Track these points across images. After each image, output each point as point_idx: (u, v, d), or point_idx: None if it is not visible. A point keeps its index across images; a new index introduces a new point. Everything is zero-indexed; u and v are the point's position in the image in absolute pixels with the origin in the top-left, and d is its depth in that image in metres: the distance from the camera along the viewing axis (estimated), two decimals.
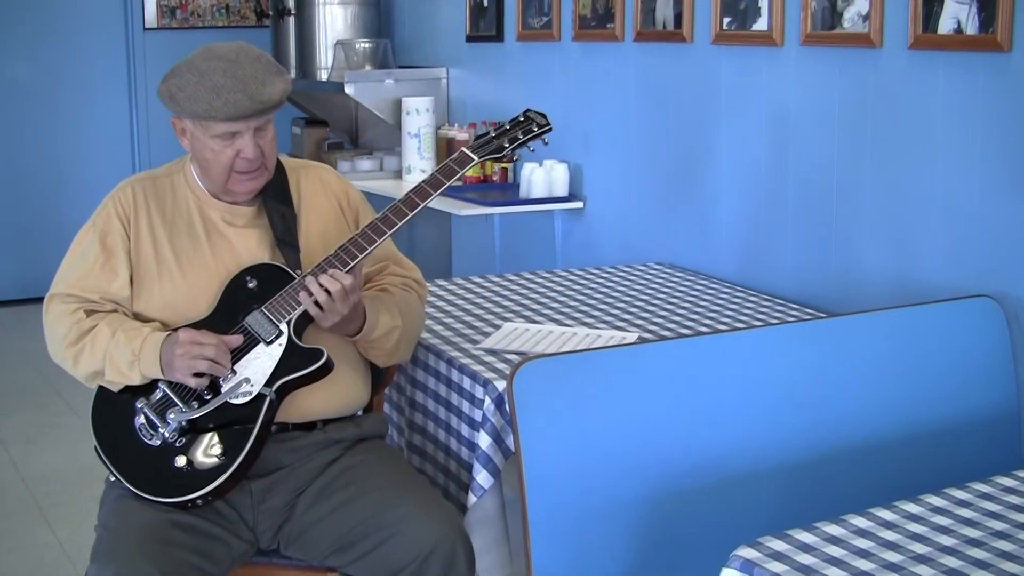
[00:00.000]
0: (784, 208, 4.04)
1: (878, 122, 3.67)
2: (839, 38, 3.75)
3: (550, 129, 2.97)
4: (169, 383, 2.74)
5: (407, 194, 2.83)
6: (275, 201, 2.89)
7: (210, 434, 2.72)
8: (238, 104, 2.70)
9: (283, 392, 2.75)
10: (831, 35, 3.78)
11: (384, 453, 2.91)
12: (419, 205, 2.82)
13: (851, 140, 3.77)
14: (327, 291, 2.71)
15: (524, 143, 2.95)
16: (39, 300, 7.05)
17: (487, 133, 2.96)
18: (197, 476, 2.69)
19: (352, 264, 2.75)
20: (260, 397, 2.72)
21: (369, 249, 2.77)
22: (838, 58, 3.78)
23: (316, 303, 2.72)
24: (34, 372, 6.28)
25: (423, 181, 2.85)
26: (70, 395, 5.81)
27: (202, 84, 2.71)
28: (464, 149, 2.92)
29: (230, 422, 2.72)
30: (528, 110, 3.00)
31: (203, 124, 2.75)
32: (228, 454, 2.70)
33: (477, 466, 2.89)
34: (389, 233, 2.79)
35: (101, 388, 2.83)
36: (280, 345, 2.75)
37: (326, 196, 2.98)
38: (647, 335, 3.39)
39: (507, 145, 2.93)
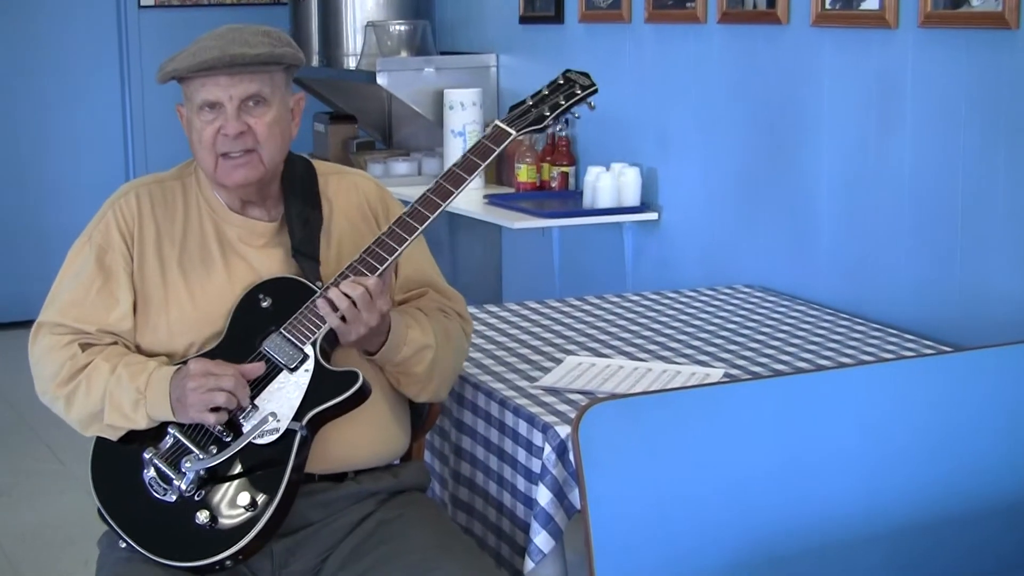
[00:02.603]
0: (899, 220, 4.03)
1: (1014, 117, 3.66)
2: (966, 18, 3.74)
3: (596, 90, 2.98)
4: (180, 427, 2.76)
5: (437, 181, 2.86)
6: (299, 204, 2.92)
7: (234, 482, 2.74)
8: (206, 55, 2.76)
9: (315, 425, 2.77)
10: (956, 15, 3.77)
11: (425, 508, 2.93)
12: (452, 194, 2.84)
13: (980, 139, 3.76)
14: (350, 299, 2.73)
15: (567, 109, 2.97)
16: (15, 326, 7.03)
17: (524, 102, 2.97)
18: (224, 532, 2.71)
19: (380, 269, 2.78)
20: (289, 433, 2.74)
21: (399, 250, 2.80)
22: (964, 42, 3.77)
23: (341, 316, 2.75)
24: (9, 411, 6.34)
25: (455, 165, 2.88)
26: (52, 438, 5.85)
27: (189, 50, 2.79)
28: (498, 122, 2.93)
29: (256, 466, 2.74)
30: (568, 71, 3.02)
31: (187, 95, 2.83)
32: (258, 503, 2.71)
33: (535, 526, 2.90)
34: (420, 229, 2.82)
35: (99, 439, 2.85)
36: (307, 371, 2.77)
37: (360, 207, 3.01)
38: (735, 371, 3.39)
39: (548, 113, 2.95)
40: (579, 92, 2.97)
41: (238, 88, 2.80)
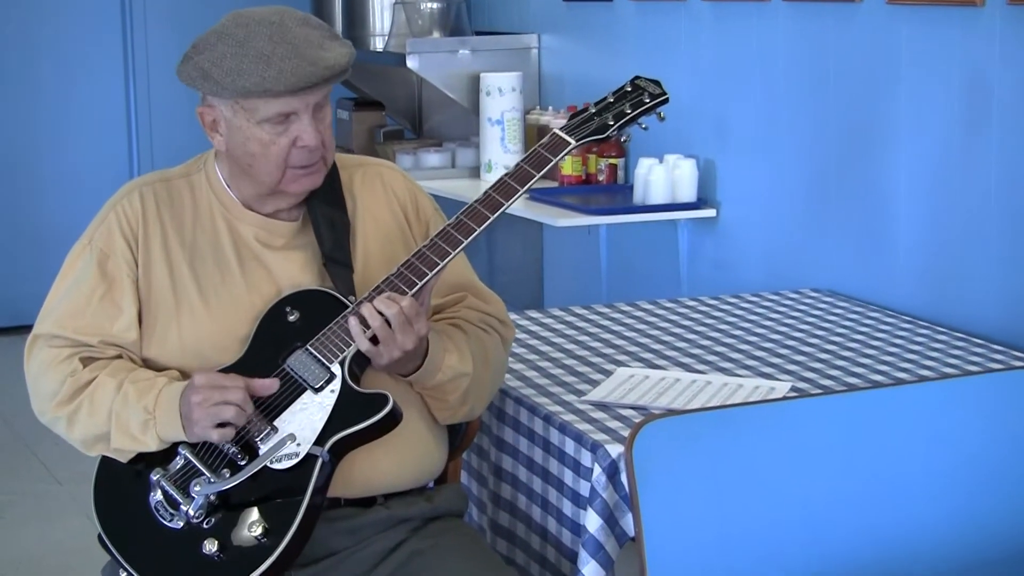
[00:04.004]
0: (985, 219, 4.02)
1: None
2: None
3: (667, 100, 2.98)
4: (192, 447, 2.77)
5: (487, 192, 2.87)
6: (323, 204, 2.93)
7: (247, 510, 2.75)
8: (297, 71, 2.74)
9: (338, 451, 2.77)
10: None
11: (462, 536, 2.94)
12: (502, 206, 2.85)
13: None
14: (383, 318, 2.74)
15: (634, 119, 2.97)
16: (8, 332, 7.05)
17: (586, 109, 2.98)
18: (232, 564, 2.72)
19: (419, 284, 2.78)
20: (310, 459, 2.75)
21: (440, 265, 2.80)
22: None
23: (372, 337, 2.75)
24: (2, 425, 6.36)
25: (506, 175, 2.88)
26: (49, 456, 5.87)
27: (244, 54, 2.76)
28: (558, 131, 2.94)
29: (272, 493, 2.75)
30: (637, 77, 3.02)
31: (248, 108, 2.80)
32: (272, 534, 2.72)
33: (584, 555, 2.90)
34: (465, 243, 2.83)
35: (104, 459, 2.87)
36: (332, 392, 2.78)
37: (388, 202, 3.02)
38: (803, 385, 3.39)
39: (612, 123, 2.95)
40: (647, 101, 2.96)
41: (313, 96, 2.81)
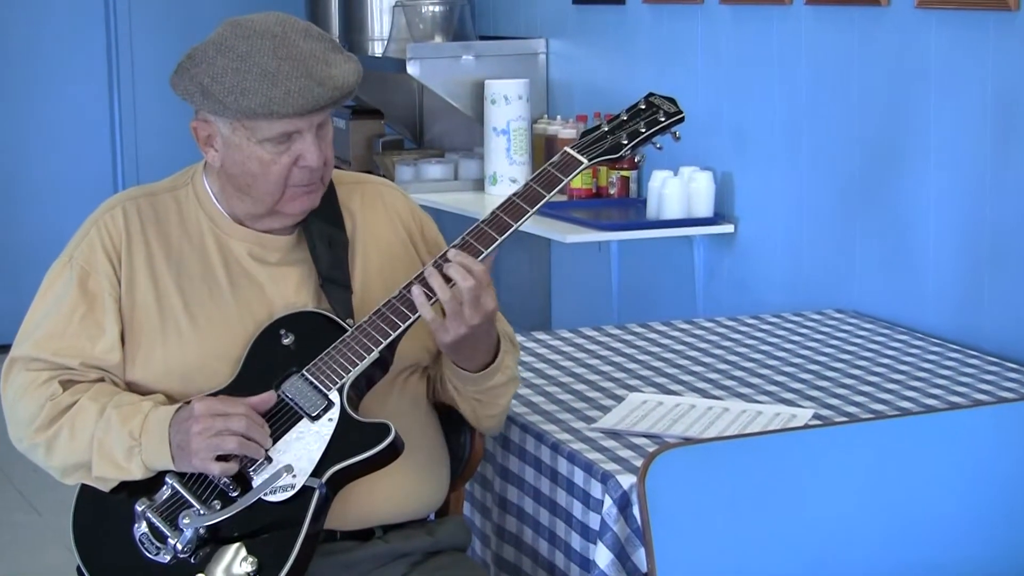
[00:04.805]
0: (1019, 234, 4.02)
1: None
2: None
3: (683, 119, 3.00)
4: (180, 476, 2.76)
5: (494, 212, 2.88)
6: (321, 223, 2.93)
7: (238, 545, 2.74)
8: (306, 92, 2.74)
9: (336, 483, 2.77)
10: None
11: (465, 571, 2.94)
12: (510, 227, 2.86)
13: None
14: (451, 288, 2.74)
15: (649, 138, 2.98)
16: None
17: (598, 127, 2.99)
18: None
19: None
20: (306, 491, 2.75)
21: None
22: None
23: (434, 305, 2.75)
24: None
25: (515, 194, 2.89)
26: (25, 483, 5.88)
27: (247, 71, 2.75)
28: (568, 149, 2.95)
29: (266, 527, 2.74)
30: (651, 94, 3.04)
31: (249, 126, 2.79)
32: (265, 569, 2.72)
33: None
34: None
35: (84, 487, 2.86)
36: (330, 420, 2.78)
37: (391, 222, 3.03)
38: (826, 412, 3.39)
39: (626, 142, 2.96)
40: (663, 119, 2.98)
41: (318, 116, 2.82)
